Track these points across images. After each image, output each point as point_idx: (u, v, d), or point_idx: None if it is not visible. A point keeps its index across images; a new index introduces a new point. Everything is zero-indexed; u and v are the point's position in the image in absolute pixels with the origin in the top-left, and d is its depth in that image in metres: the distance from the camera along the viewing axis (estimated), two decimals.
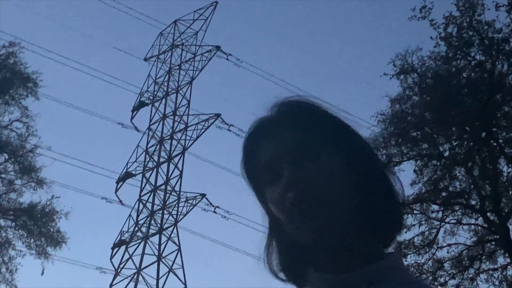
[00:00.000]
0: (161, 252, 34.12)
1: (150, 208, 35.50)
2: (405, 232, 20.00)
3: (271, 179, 1.37)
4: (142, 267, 33.54)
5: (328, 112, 1.43)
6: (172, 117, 37.44)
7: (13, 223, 24.55)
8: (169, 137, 36.94)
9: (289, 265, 1.44)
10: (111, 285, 33.70)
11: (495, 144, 18.95)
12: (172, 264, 33.97)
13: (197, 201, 35.25)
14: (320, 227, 1.30)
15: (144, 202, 35.87)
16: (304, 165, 1.34)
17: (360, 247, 1.35)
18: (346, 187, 1.33)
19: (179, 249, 34.40)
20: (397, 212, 1.42)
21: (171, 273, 33.75)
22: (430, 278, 19.99)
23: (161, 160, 36.46)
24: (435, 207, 20.39)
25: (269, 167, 1.38)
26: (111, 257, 35.06)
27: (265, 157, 1.40)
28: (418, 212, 20.19)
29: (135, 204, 36.31)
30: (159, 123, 37.52)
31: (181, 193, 35.69)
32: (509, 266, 19.84)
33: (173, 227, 34.89)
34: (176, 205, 35.38)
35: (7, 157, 24.40)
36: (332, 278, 1.34)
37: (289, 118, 1.41)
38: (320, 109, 1.43)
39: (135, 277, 33.20)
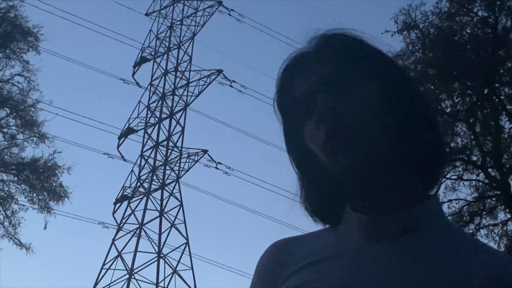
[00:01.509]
0: (163, 207, 34.32)
1: (152, 163, 35.61)
2: None
3: (306, 113, 1.33)
4: (144, 222, 33.78)
5: (368, 44, 1.38)
6: (174, 73, 37.33)
7: (16, 178, 24.67)
8: (171, 93, 36.88)
9: (325, 203, 1.39)
10: (113, 239, 33.99)
11: (497, 100, 18.90)
12: (174, 220, 34.20)
13: (199, 157, 35.32)
14: (355, 162, 1.26)
15: (146, 157, 35.97)
16: (339, 97, 1.29)
17: (399, 188, 1.30)
18: (384, 120, 1.29)
19: (181, 205, 34.60)
20: (440, 145, 1.36)
21: (173, 228, 34.00)
22: None
23: (163, 116, 36.45)
24: None
25: (305, 100, 1.34)
26: (114, 212, 35.31)
27: (300, 90, 1.35)
28: None
29: (137, 159, 36.41)
30: (160, 79, 37.43)
31: (183, 149, 35.77)
32: (509, 222, 19.99)
33: (175, 182, 35.04)
34: (178, 161, 35.47)
35: (8, 111, 24.42)
36: (366, 220, 1.30)
37: (326, 51, 1.36)
38: (361, 41, 1.38)
39: (138, 232, 33.45)
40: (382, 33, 19.62)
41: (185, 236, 33.96)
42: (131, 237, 33.58)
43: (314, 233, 1.41)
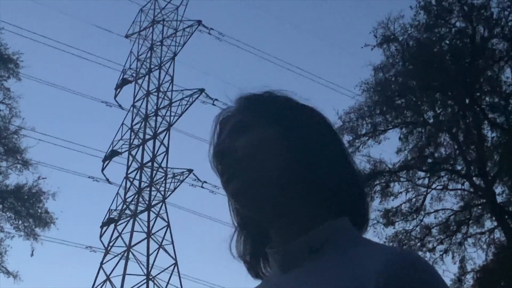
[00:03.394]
0: (150, 229, 34.15)
1: (137, 185, 35.47)
2: (392, 200, 20.15)
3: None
4: (132, 244, 33.59)
5: (284, 98, 1.48)
6: (156, 94, 37.26)
7: (0, 205, 24.48)
8: (153, 113, 36.81)
9: (249, 249, 1.48)
10: (101, 263, 33.77)
11: (478, 109, 19.04)
12: (162, 241, 34.02)
13: (184, 177, 35.24)
14: (240, 186, 1.36)
15: (131, 179, 35.82)
16: (237, 138, 1.41)
17: (296, 214, 1.36)
18: (278, 157, 1.37)
19: (168, 225, 34.44)
20: (341, 176, 1.39)
21: (161, 249, 33.83)
22: (419, 244, 20.20)
23: (147, 137, 36.36)
24: (421, 173, 20.53)
25: (216, 148, 1.45)
26: (101, 236, 35.08)
27: (216, 140, 1.48)
28: (405, 179, 20.33)
29: (122, 182, 36.24)
30: (143, 100, 37.35)
31: (168, 169, 35.66)
32: (496, 230, 20.05)
33: (161, 203, 34.90)
34: (164, 182, 35.35)
35: None
36: (277, 252, 1.36)
37: (240, 107, 1.48)
38: (275, 96, 1.49)
39: (125, 254, 33.27)
40: (362, 47, 19.78)
41: (174, 256, 33.81)
42: (119, 260, 33.40)
43: (261, 283, 1.46)
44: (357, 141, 19.99)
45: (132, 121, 37.18)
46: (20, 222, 24.49)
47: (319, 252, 1.31)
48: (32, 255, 25.06)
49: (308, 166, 1.37)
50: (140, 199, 35.05)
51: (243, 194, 1.37)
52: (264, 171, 1.36)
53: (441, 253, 20.35)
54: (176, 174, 35.45)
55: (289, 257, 1.33)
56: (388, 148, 20.85)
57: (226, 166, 1.39)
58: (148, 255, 33.53)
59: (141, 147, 36.18)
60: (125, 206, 35.27)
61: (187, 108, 36.28)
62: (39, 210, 24.80)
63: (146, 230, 34.10)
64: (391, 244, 19.77)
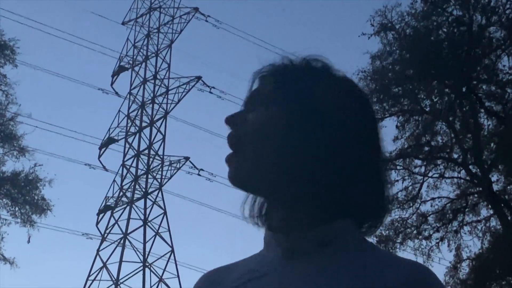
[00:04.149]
0: (146, 216, 34.23)
1: (134, 173, 35.51)
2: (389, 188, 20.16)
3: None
4: (128, 231, 33.67)
5: (316, 69, 1.42)
6: (152, 81, 37.25)
7: None
8: (150, 101, 36.80)
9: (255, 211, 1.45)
10: (98, 250, 33.85)
11: (475, 97, 19.06)
12: (158, 228, 34.11)
13: (181, 165, 35.28)
14: (235, 170, 1.36)
15: (128, 167, 35.86)
16: (255, 108, 1.38)
17: (310, 207, 1.34)
18: (281, 138, 1.32)
19: (165, 213, 34.52)
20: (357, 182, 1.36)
21: (157, 236, 33.91)
22: (415, 232, 20.25)
23: (143, 124, 36.37)
24: (418, 162, 20.57)
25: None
26: (97, 223, 35.13)
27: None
28: (401, 167, 20.35)
29: (118, 169, 36.29)
30: (139, 88, 37.33)
31: (165, 157, 35.71)
32: (492, 218, 20.12)
33: (158, 191, 34.96)
34: (160, 169, 35.40)
35: None
36: (282, 238, 1.34)
37: (268, 73, 1.43)
38: (308, 67, 1.42)
39: (122, 241, 33.34)
40: (359, 36, 19.74)
41: (170, 244, 33.91)
42: (116, 247, 33.50)
43: (245, 259, 1.44)
44: None
45: (129, 108, 37.19)
46: (17, 209, 24.56)
47: (328, 247, 1.31)
48: (28, 241, 25.17)
49: (319, 159, 1.32)
50: (137, 186, 35.11)
51: (236, 175, 1.37)
52: (265, 154, 1.33)
53: (437, 241, 20.43)
54: (172, 162, 35.50)
55: (297, 246, 1.32)
56: (385, 136, 20.68)
57: (233, 137, 1.38)
58: (144, 243, 33.63)
59: (137, 134, 36.20)
60: (121, 193, 35.33)
61: (184, 96, 36.31)
62: (36, 197, 24.86)
63: (142, 217, 34.18)
64: (387, 232, 19.85)
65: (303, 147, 1.32)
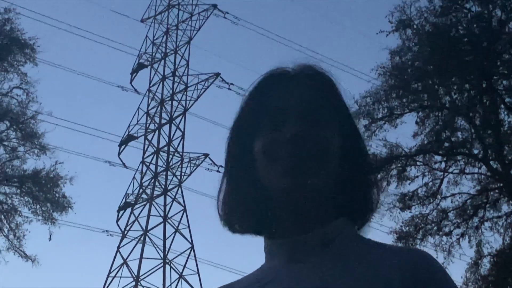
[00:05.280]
0: (166, 213, 34.37)
1: (153, 169, 35.65)
2: (409, 184, 20.15)
3: (271, 126, 1.42)
4: (148, 228, 33.82)
5: (338, 89, 1.50)
6: (171, 78, 37.36)
7: (18, 190, 24.73)
8: (169, 98, 36.91)
9: (249, 216, 1.47)
10: (118, 247, 34.04)
11: (495, 93, 18.98)
12: (178, 225, 34.24)
13: (200, 161, 35.39)
14: (300, 181, 1.36)
15: (148, 164, 36.00)
16: (310, 127, 1.40)
17: (313, 210, 1.40)
18: (333, 159, 1.41)
19: (185, 210, 34.65)
20: (367, 198, 1.47)
21: (177, 233, 34.05)
22: (435, 228, 20.23)
23: (163, 121, 36.49)
24: (438, 157, 20.52)
25: (276, 114, 1.43)
26: (117, 220, 35.34)
27: (275, 103, 1.45)
28: (421, 163, 20.32)
29: (138, 166, 36.44)
30: (158, 85, 37.45)
31: (184, 154, 35.83)
32: None
33: (177, 187, 35.09)
34: (180, 166, 35.52)
35: (8, 124, 24.50)
36: (285, 243, 1.40)
37: (308, 80, 1.47)
38: (334, 83, 1.50)
39: (142, 238, 33.50)
40: (377, 33, 19.73)
41: (190, 240, 34.04)
42: (136, 244, 33.66)
43: (247, 274, 1.49)
44: (373, 125, 19.99)
45: (148, 105, 37.32)
46: (38, 206, 24.78)
47: (330, 246, 1.38)
48: (50, 239, 25.41)
49: (350, 174, 1.44)
50: (157, 183, 35.25)
51: (294, 196, 1.38)
52: (325, 174, 1.39)
53: (458, 237, 20.38)
54: (192, 159, 35.61)
55: (301, 248, 1.38)
56: (404, 132, 20.71)
57: (306, 157, 1.37)
58: (164, 239, 33.78)
59: (157, 131, 36.33)
60: (141, 190, 35.49)
61: (202, 93, 36.40)
62: (57, 195, 25.07)
63: (162, 214, 34.32)
64: (407, 228, 19.86)
65: (347, 165, 1.44)
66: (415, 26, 19.38)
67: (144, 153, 36.30)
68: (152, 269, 33.12)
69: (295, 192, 1.36)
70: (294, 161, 1.36)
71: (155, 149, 35.98)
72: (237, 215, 1.48)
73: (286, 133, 1.38)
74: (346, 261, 1.35)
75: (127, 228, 34.45)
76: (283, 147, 1.38)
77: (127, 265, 33.20)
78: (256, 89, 1.50)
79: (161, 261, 33.18)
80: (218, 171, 35.59)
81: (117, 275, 33.26)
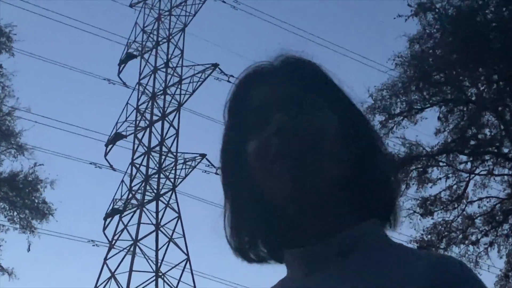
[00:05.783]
0: (159, 220, 34.42)
1: (144, 172, 35.70)
2: (430, 187, 20.13)
3: (258, 126, 1.43)
4: (138, 237, 33.86)
5: (327, 75, 1.52)
6: (164, 70, 37.39)
7: None
8: (162, 92, 36.94)
9: (260, 235, 1.49)
10: (105, 259, 34.08)
11: None
12: (172, 233, 34.30)
13: (196, 162, 35.42)
14: (301, 180, 1.36)
15: (138, 165, 36.05)
16: (297, 115, 1.41)
17: (331, 214, 1.41)
18: (334, 148, 1.41)
19: (179, 217, 34.69)
20: (384, 186, 1.47)
21: (171, 243, 34.09)
22: (460, 236, 20.21)
23: (154, 118, 36.53)
24: (463, 157, 20.49)
25: (259, 112, 1.45)
26: (104, 228, 35.37)
27: (257, 102, 1.47)
28: (445, 164, 20.31)
29: (127, 168, 36.48)
30: (150, 77, 37.48)
31: (179, 154, 35.86)
32: None
33: (171, 192, 35.14)
34: (174, 168, 35.57)
35: None
36: (302, 253, 1.41)
37: (289, 71, 1.49)
38: (321, 70, 1.52)
39: (132, 249, 33.54)
40: (394, 18, 19.70)
41: (185, 251, 34.08)
42: (125, 255, 33.72)
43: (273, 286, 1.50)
44: (390, 121, 19.97)
45: (138, 100, 37.35)
46: (15, 213, 24.79)
47: (348, 256, 1.37)
48: (28, 250, 25.42)
49: (358, 165, 1.43)
50: (148, 187, 35.28)
51: (299, 193, 1.38)
52: (329, 167, 1.39)
53: (486, 246, 20.38)
54: (187, 160, 35.65)
55: (317, 259, 1.39)
56: (425, 129, 20.67)
57: (289, 146, 1.38)
58: (157, 250, 33.83)
59: (148, 129, 36.36)
60: (131, 195, 35.53)
61: (199, 86, 36.42)
62: (36, 200, 25.06)
63: (154, 222, 34.36)
64: (429, 236, 19.84)
65: (353, 154, 1.44)
66: (437, 10, 19.33)
67: (133, 154, 36.38)
68: (143, 283, 33.18)
69: (298, 193, 1.37)
70: (287, 154, 1.37)
71: (145, 149, 36.02)
72: (247, 237, 1.49)
73: (272, 127, 1.39)
74: (368, 271, 1.35)
75: (115, 238, 34.50)
76: (272, 142, 1.38)
77: (115, 279, 33.24)
78: (235, 93, 1.53)
79: (153, 274, 33.23)
80: (216, 173, 35.50)
81: None
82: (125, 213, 35.10)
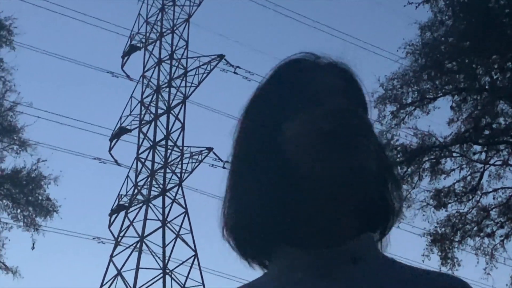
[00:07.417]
0: (165, 216, 34.45)
1: (150, 167, 35.73)
2: (444, 178, 20.10)
3: (305, 106, 1.41)
4: (145, 234, 33.91)
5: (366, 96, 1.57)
6: (168, 62, 37.38)
7: None
8: (166, 84, 36.95)
9: (255, 236, 1.46)
10: (111, 256, 34.14)
11: None
12: (179, 229, 34.35)
13: (203, 156, 35.45)
14: (357, 163, 1.36)
15: (143, 160, 36.08)
16: (354, 103, 1.46)
17: (343, 221, 1.41)
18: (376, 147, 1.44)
19: (186, 212, 34.73)
20: (386, 208, 1.49)
21: (178, 239, 34.12)
22: (475, 228, 20.17)
23: (159, 111, 36.54)
24: (477, 147, 20.44)
25: (315, 89, 1.45)
26: (110, 225, 35.48)
27: (313, 82, 1.46)
28: (458, 154, 20.24)
29: (132, 163, 36.54)
30: (154, 69, 37.48)
31: (185, 148, 35.89)
32: None
33: (177, 187, 35.17)
34: (180, 162, 35.59)
35: None
36: (310, 257, 1.39)
37: (344, 69, 1.52)
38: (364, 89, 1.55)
39: (138, 245, 33.59)
40: (404, 5, 19.63)
41: (193, 247, 34.11)
42: (131, 252, 33.80)
43: (259, 281, 1.49)
44: (402, 111, 19.92)
45: (142, 93, 37.37)
46: (19, 211, 24.80)
47: (360, 262, 1.38)
48: (33, 248, 25.43)
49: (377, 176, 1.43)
50: (154, 182, 35.32)
51: (357, 177, 1.38)
52: (373, 164, 1.41)
53: (502, 238, 20.32)
54: (193, 153, 35.67)
55: (331, 263, 1.37)
56: (438, 119, 20.63)
57: (357, 132, 1.40)
58: (164, 246, 33.88)
59: (153, 123, 36.37)
60: (136, 190, 35.57)
61: (204, 78, 36.42)
62: (40, 197, 25.07)
63: (161, 217, 34.40)
64: (443, 229, 19.80)
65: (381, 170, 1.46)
66: None
67: (138, 148, 36.41)
68: (150, 280, 33.26)
69: (352, 175, 1.36)
70: (346, 134, 1.37)
71: (151, 143, 36.06)
72: (256, 219, 1.42)
73: (330, 106, 1.40)
74: (377, 281, 1.37)
75: (121, 234, 34.57)
76: (330, 120, 1.37)
77: (122, 277, 33.31)
78: (284, 71, 1.50)
79: (161, 271, 33.29)
80: (223, 167, 35.53)
81: None
82: (131, 209, 35.16)
